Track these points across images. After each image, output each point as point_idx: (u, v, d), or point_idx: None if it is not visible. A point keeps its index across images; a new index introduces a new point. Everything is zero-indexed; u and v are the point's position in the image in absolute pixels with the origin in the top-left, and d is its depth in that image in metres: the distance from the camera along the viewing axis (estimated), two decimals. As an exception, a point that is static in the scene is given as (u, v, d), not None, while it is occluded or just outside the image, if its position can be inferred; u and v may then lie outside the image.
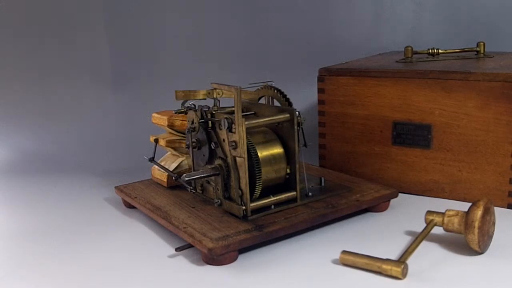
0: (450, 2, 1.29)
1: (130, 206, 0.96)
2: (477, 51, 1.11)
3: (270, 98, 0.90)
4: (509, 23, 1.24)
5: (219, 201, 0.81)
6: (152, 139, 0.95)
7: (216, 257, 0.72)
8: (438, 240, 0.78)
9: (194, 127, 0.84)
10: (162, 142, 0.94)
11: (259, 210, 0.80)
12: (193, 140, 0.86)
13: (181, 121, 0.94)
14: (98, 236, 0.86)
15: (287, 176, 0.83)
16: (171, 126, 0.94)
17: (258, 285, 0.68)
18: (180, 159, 0.94)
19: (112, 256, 0.78)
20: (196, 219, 0.80)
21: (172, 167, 0.94)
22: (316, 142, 1.07)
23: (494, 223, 0.75)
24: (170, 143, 0.94)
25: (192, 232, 0.76)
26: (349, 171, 1.03)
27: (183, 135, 0.94)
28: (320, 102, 1.05)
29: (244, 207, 0.78)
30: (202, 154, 0.85)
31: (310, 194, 0.86)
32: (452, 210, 0.75)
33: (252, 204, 0.79)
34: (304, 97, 1.30)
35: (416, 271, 0.69)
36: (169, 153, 0.98)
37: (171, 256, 0.77)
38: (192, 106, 0.86)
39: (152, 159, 0.92)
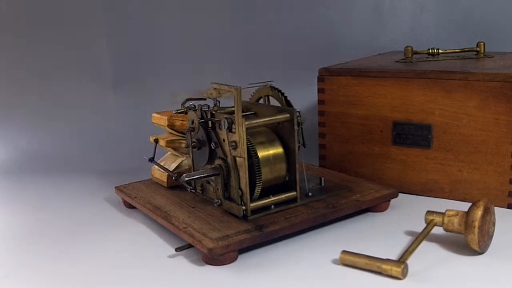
0: (450, 2, 1.29)
1: (130, 206, 0.96)
2: (477, 51, 1.11)
3: (266, 98, 0.90)
4: (509, 23, 1.24)
5: (219, 201, 0.81)
6: (152, 139, 0.95)
7: (216, 257, 0.72)
8: (438, 240, 0.78)
9: (194, 127, 0.84)
10: (162, 142, 0.94)
11: (259, 210, 0.80)
12: (193, 140, 0.86)
13: (181, 121, 0.94)
14: (98, 236, 0.86)
15: (287, 176, 0.83)
16: (171, 126, 0.94)
17: (258, 285, 0.68)
18: (180, 159, 0.94)
19: (112, 256, 0.78)
20: (196, 219, 0.80)
21: (172, 167, 0.94)
22: (316, 142, 1.07)
23: (494, 223, 0.75)
24: (170, 143, 0.94)
25: (192, 232, 0.76)
26: (349, 171, 1.03)
27: (183, 135, 0.94)
28: (320, 102, 1.05)
29: (244, 207, 0.78)
30: (202, 154, 0.85)
31: (310, 194, 0.86)
32: (452, 210, 0.75)
33: (252, 204, 0.79)
34: (304, 97, 1.30)
35: (416, 271, 0.69)
36: (169, 153, 0.98)
37: (171, 256, 0.77)
38: (192, 106, 0.86)
39: (152, 159, 0.92)
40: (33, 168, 1.25)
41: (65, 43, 1.41)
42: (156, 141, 0.94)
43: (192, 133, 0.85)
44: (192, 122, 0.84)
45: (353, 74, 1.00)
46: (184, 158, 0.94)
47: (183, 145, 0.93)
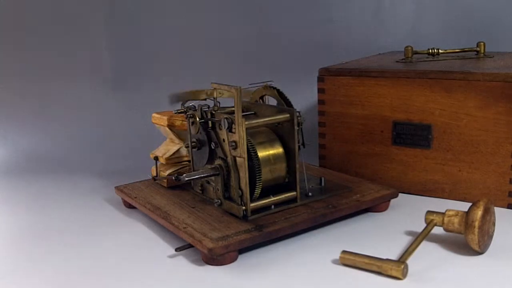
0: (450, 2, 1.29)
1: (130, 206, 0.96)
2: (477, 51, 1.11)
3: (260, 99, 0.90)
4: (509, 23, 1.24)
5: (219, 201, 0.81)
6: (151, 156, 0.95)
7: (216, 257, 0.72)
8: (438, 240, 0.78)
9: (193, 114, 0.83)
10: (161, 160, 0.94)
11: (259, 210, 0.80)
12: (193, 140, 0.86)
13: (181, 121, 0.94)
14: (98, 236, 0.86)
15: (287, 176, 0.83)
16: (171, 126, 0.94)
17: (258, 285, 0.68)
18: (178, 146, 0.94)
19: (112, 256, 0.78)
20: (196, 219, 0.80)
21: (170, 171, 0.94)
22: (316, 142, 1.07)
23: (494, 223, 0.75)
24: (170, 160, 0.94)
25: (192, 232, 0.76)
26: (349, 171, 1.03)
27: (181, 140, 0.94)
28: (320, 102, 1.05)
29: (244, 207, 0.78)
30: (202, 154, 0.85)
31: (310, 194, 0.86)
32: (452, 210, 0.75)
33: (252, 204, 0.79)
34: (304, 97, 1.30)
35: (416, 271, 0.69)
36: (168, 139, 0.98)
37: (171, 256, 0.77)
38: (192, 106, 0.86)
39: (155, 178, 0.92)
40: (33, 168, 1.25)
41: (65, 43, 1.41)
42: (156, 158, 0.94)
43: (192, 121, 0.84)
44: (192, 116, 0.84)
45: (353, 74, 1.00)
46: (183, 145, 0.94)
47: (184, 158, 0.93)
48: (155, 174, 0.95)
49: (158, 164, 0.94)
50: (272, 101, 0.89)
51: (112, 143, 1.36)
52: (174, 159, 0.94)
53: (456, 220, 0.74)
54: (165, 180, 0.94)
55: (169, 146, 0.96)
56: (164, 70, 1.45)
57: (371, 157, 1.01)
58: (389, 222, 0.85)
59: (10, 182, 1.17)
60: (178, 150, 0.95)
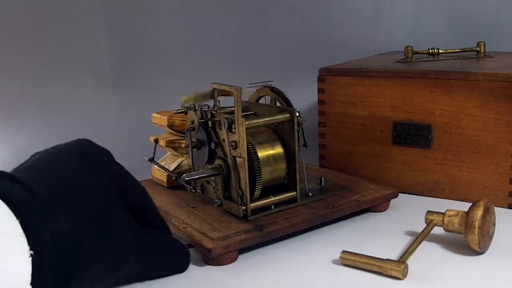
0: (450, 2, 1.29)
1: (130, 206, 0.96)
2: (477, 51, 1.11)
3: (265, 98, 0.90)
4: (509, 23, 1.24)
5: (219, 201, 0.81)
6: (152, 139, 0.95)
7: (216, 257, 0.72)
8: (438, 240, 0.78)
9: (194, 127, 0.84)
10: (162, 142, 0.94)
11: (259, 210, 0.80)
12: (193, 140, 0.86)
13: (181, 121, 0.94)
14: (98, 236, 0.85)
15: (287, 176, 0.83)
16: (171, 126, 0.94)
17: (258, 285, 0.68)
18: (180, 159, 0.94)
19: (112, 256, 0.78)
20: (196, 219, 0.80)
21: (172, 167, 0.94)
22: (316, 142, 1.07)
23: (494, 223, 0.75)
24: (170, 143, 0.94)
25: (192, 232, 0.76)
26: (349, 171, 1.03)
27: (183, 135, 0.94)
28: (320, 102, 1.05)
29: (244, 207, 0.78)
30: (202, 154, 0.85)
31: (310, 194, 0.86)
32: (452, 210, 0.75)
33: (252, 204, 0.79)
34: (304, 97, 1.30)
35: (416, 271, 0.69)
36: (169, 153, 0.98)
37: (171, 256, 0.77)
38: (192, 106, 0.86)
39: (152, 159, 0.92)
40: (33, 168, 1.25)
41: (64, 43, 1.41)
42: (156, 141, 0.94)
43: (192, 133, 0.85)
44: (192, 122, 0.84)
45: (353, 74, 1.00)
46: (184, 158, 0.94)
47: (183, 145, 0.93)
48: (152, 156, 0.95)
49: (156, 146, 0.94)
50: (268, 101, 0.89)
51: (112, 143, 1.35)
52: (174, 143, 0.94)
53: (456, 220, 0.74)
54: (165, 180, 0.94)
55: (170, 135, 0.96)
56: (164, 70, 1.45)
57: (371, 157, 1.01)
58: (389, 222, 0.85)
59: (10, 182, 1.17)
60: (179, 140, 0.95)
